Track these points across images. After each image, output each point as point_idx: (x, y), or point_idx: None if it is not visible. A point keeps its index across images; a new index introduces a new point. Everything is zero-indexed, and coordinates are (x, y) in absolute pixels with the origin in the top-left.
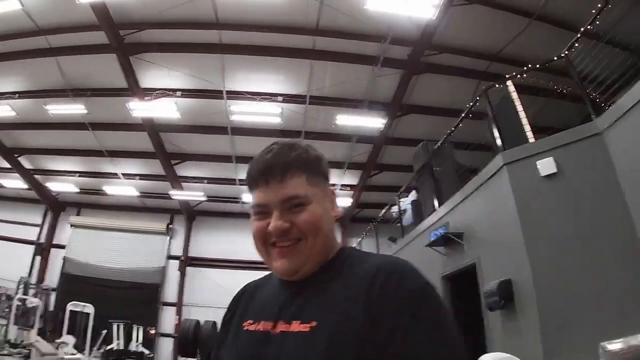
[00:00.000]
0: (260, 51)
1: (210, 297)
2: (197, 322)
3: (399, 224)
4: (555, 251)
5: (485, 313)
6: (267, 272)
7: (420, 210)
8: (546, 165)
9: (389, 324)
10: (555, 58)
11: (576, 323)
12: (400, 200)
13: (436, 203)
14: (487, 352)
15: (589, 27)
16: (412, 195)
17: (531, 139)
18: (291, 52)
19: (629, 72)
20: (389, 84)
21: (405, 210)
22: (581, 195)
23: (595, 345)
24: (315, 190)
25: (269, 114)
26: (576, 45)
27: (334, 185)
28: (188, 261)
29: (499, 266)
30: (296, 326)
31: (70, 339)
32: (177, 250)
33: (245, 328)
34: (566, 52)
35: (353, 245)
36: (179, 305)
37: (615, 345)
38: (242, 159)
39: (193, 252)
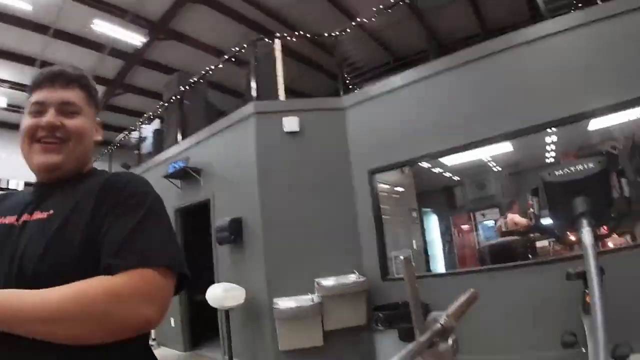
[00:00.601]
0: None
1: None
2: None
3: (137, 152)
4: (285, 197)
5: (215, 247)
6: None
7: (161, 141)
8: (291, 123)
9: (107, 209)
10: (326, 34)
11: (296, 260)
12: (142, 126)
13: (180, 136)
14: (215, 282)
15: (364, 19)
16: (156, 124)
17: (282, 98)
18: None
19: (381, 69)
20: (161, 2)
21: (145, 138)
22: (316, 155)
23: (312, 279)
24: (88, 110)
25: None
26: (348, 30)
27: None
28: None
29: (233, 205)
30: (37, 215)
31: None
32: None
33: None
34: (337, 33)
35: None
36: None
37: (328, 282)
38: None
39: None
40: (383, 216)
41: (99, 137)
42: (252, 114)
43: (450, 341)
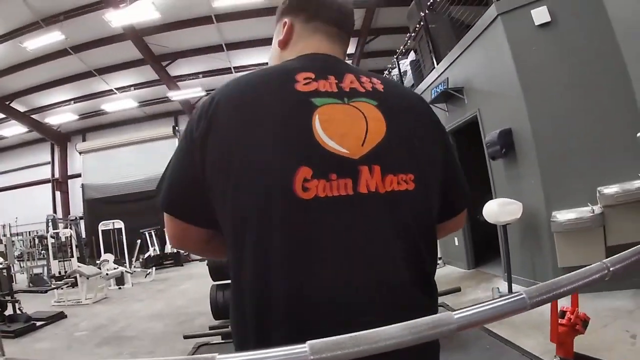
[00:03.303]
0: None
1: None
2: None
3: None
4: (552, 100)
5: (489, 162)
6: None
7: (420, 70)
8: (540, 14)
9: None
10: None
11: (574, 168)
12: (400, 62)
13: (434, 60)
14: (493, 199)
15: None
16: (411, 56)
17: None
18: None
19: None
20: None
21: (405, 72)
22: (575, 44)
23: (593, 189)
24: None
25: None
26: None
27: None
28: None
29: (499, 117)
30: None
31: (109, 257)
32: None
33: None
34: None
35: None
36: None
37: (611, 189)
38: (232, 46)
39: None
40: None
41: (280, 37)
42: (496, 15)
43: None
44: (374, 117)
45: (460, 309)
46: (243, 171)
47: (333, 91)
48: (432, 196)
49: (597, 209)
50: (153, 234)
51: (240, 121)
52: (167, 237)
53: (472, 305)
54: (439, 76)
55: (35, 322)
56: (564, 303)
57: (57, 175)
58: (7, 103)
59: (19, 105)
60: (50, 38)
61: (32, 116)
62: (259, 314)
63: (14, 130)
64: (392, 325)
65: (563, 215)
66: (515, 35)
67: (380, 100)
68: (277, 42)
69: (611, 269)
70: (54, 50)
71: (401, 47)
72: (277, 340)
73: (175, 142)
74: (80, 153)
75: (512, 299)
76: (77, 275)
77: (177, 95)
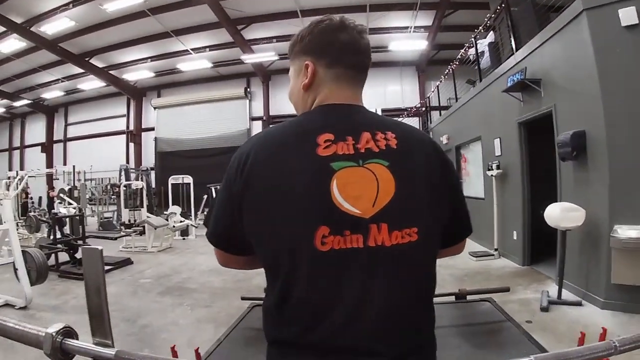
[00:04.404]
0: None
1: None
2: None
3: (476, 67)
4: (632, 107)
5: (559, 162)
6: None
7: (498, 53)
8: (628, 15)
9: None
10: None
11: None
12: (478, 41)
13: (514, 46)
14: (558, 201)
15: None
16: (490, 37)
17: None
18: None
19: None
20: None
21: (483, 53)
22: None
23: None
24: (291, 66)
25: None
26: None
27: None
28: (270, 120)
29: (574, 116)
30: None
31: (176, 209)
32: (258, 111)
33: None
34: None
35: (432, 90)
36: None
37: None
38: (307, 12)
39: (273, 111)
40: None
41: (304, 81)
42: (581, 10)
43: None
44: (385, 178)
45: None
46: (276, 227)
47: (350, 153)
48: (434, 240)
49: None
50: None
51: (271, 185)
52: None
53: None
54: (516, 64)
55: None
56: None
57: (131, 127)
58: (87, 59)
59: (97, 62)
60: (129, 0)
61: (110, 72)
62: (276, 324)
63: (93, 84)
64: None
65: (624, 231)
66: (599, 33)
67: (392, 160)
68: (301, 85)
69: (619, 347)
70: (132, 12)
71: (480, 27)
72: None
73: (246, 104)
74: (154, 108)
75: None
76: (146, 225)
77: (250, 59)
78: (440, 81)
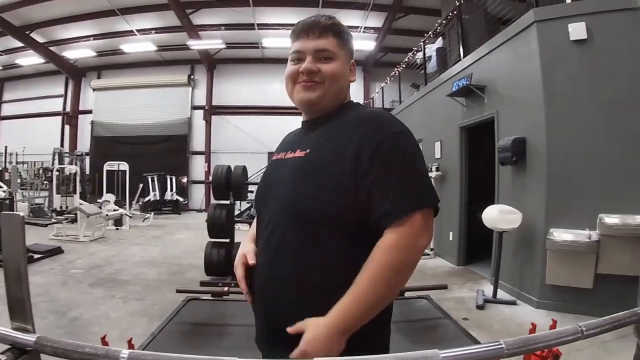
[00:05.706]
0: None
1: (236, 143)
2: (229, 167)
3: (422, 71)
4: (573, 116)
5: (497, 167)
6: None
7: (445, 58)
8: (577, 30)
9: (369, 156)
10: None
11: (581, 190)
12: (426, 46)
13: (461, 52)
14: (495, 204)
15: None
16: (438, 42)
17: (568, 0)
18: None
19: None
20: None
21: (430, 57)
22: (609, 67)
23: (595, 213)
24: (342, 54)
25: None
26: None
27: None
28: (212, 110)
29: (516, 123)
30: (297, 153)
31: (111, 197)
32: (201, 100)
33: (273, 158)
34: None
35: (376, 91)
36: (207, 153)
37: (611, 219)
38: (260, 2)
39: (216, 101)
40: None
41: (353, 78)
42: (532, 22)
43: None
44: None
45: (448, 349)
46: None
47: None
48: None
49: (595, 235)
50: (155, 179)
51: None
52: (419, 240)
53: (458, 349)
54: (463, 69)
55: (33, 254)
56: None
57: (68, 109)
58: (27, 33)
59: (38, 36)
60: None
61: (50, 48)
62: None
63: (31, 60)
64: (383, 355)
65: (560, 235)
66: (547, 45)
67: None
68: (350, 78)
69: (585, 332)
70: None
71: (430, 32)
72: None
73: (188, 91)
74: (93, 90)
75: (491, 348)
76: (78, 212)
77: (197, 45)
78: (386, 83)
